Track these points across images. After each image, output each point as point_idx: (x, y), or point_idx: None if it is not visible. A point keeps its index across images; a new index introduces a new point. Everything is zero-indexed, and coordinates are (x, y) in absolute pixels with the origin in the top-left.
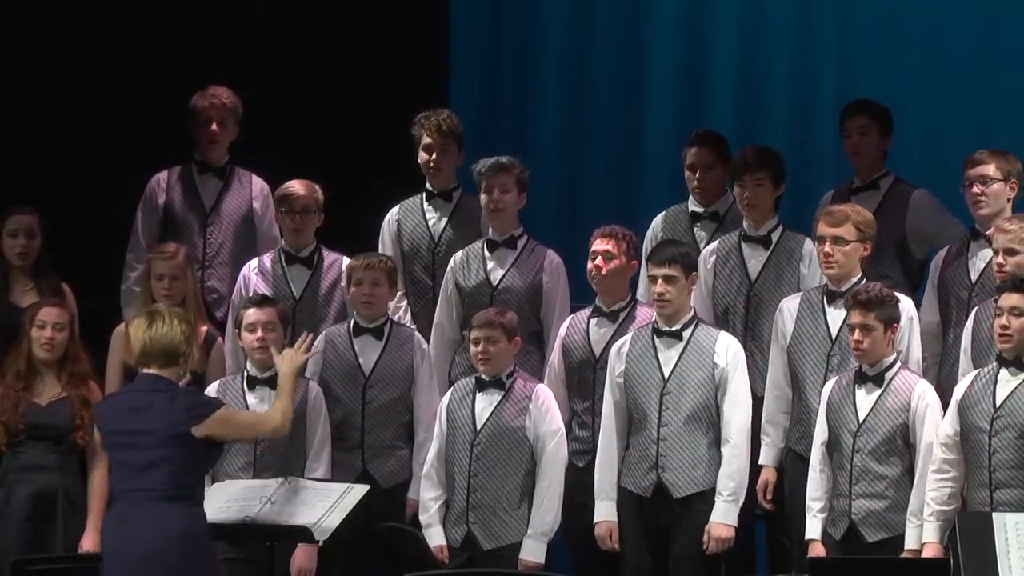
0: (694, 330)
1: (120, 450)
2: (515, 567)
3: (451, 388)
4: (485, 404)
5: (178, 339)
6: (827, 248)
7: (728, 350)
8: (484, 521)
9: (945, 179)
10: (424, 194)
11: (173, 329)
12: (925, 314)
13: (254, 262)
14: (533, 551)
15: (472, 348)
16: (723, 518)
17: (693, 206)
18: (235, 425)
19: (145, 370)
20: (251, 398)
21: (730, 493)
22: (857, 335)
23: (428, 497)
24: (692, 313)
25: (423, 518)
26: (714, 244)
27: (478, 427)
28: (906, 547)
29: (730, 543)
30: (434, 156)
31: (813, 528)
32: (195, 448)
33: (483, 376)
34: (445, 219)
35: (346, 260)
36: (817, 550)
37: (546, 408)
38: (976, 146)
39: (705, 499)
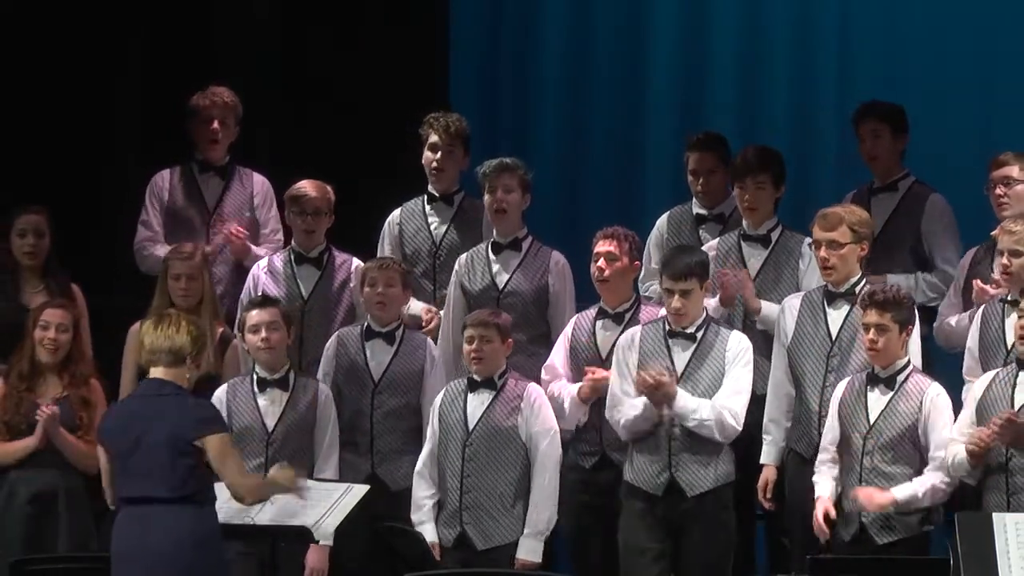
0: (706, 331)
1: (127, 456)
2: (510, 567)
3: (443, 389)
4: (476, 404)
5: (183, 341)
6: (823, 253)
7: (739, 344)
8: (477, 521)
9: (945, 179)
10: (426, 197)
11: (180, 331)
12: (951, 314)
13: (263, 262)
14: (530, 550)
15: (465, 347)
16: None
17: (697, 208)
18: (224, 455)
19: (152, 371)
20: (262, 400)
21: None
22: (872, 335)
23: (421, 495)
24: (705, 314)
25: (415, 516)
26: (714, 242)
27: (470, 427)
28: (893, 492)
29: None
30: (439, 156)
31: (824, 486)
32: (200, 457)
33: (475, 376)
34: (447, 223)
35: (356, 261)
36: (825, 506)
37: (539, 407)
38: (976, 147)
39: (718, 497)
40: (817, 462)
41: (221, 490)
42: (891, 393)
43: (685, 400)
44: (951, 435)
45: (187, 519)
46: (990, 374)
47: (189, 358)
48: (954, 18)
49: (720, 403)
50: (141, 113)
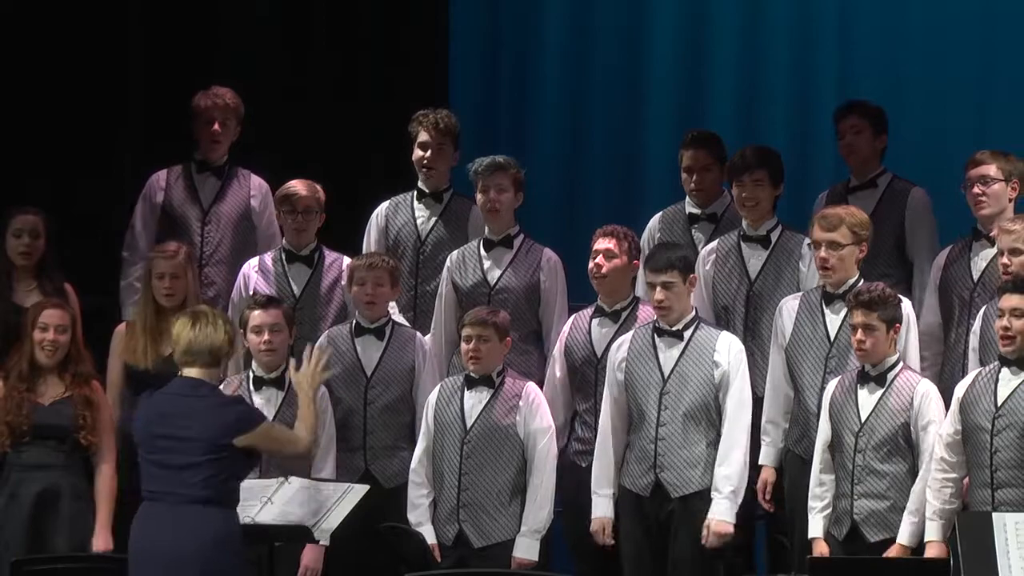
0: (695, 330)
1: (157, 453)
2: (507, 565)
3: (438, 386)
4: (474, 402)
5: (222, 339)
6: (823, 253)
7: (730, 350)
8: (475, 519)
9: (944, 179)
10: (415, 192)
11: (218, 330)
12: (927, 314)
13: (254, 260)
14: (527, 549)
15: (463, 346)
16: (722, 515)
17: (690, 207)
18: (273, 440)
19: (186, 371)
20: (257, 399)
21: (731, 490)
22: (859, 335)
23: (416, 495)
24: (694, 313)
25: (412, 516)
26: (713, 243)
27: (468, 425)
28: (898, 541)
29: (728, 539)
30: (429, 154)
31: (815, 526)
32: (235, 457)
33: (472, 374)
34: (434, 219)
35: (346, 260)
36: (820, 548)
37: (536, 405)
38: (976, 146)
39: (703, 498)
40: (813, 464)
41: None
42: (881, 390)
43: (725, 508)
44: (939, 431)
45: (211, 520)
46: (974, 372)
47: (225, 357)
48: (953, 18)
49: (735, 443)
50: (141, 113)
